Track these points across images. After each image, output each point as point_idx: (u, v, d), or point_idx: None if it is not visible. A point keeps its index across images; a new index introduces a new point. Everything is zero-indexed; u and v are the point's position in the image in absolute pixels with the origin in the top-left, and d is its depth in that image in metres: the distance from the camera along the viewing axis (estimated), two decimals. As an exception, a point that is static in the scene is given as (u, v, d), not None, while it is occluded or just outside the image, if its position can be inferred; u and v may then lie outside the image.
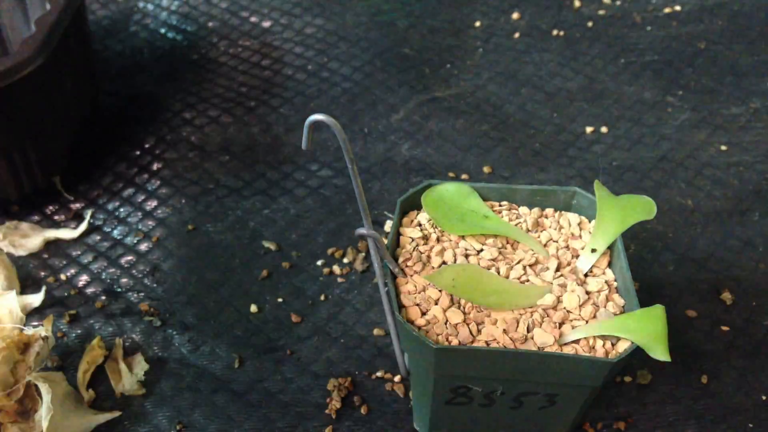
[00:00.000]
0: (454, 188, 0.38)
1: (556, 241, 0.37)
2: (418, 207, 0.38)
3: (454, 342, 0.32)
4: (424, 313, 0.33)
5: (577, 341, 0.32)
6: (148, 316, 0.46)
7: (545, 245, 0.37)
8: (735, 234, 0.49)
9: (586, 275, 0.35)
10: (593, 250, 0.36)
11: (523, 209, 0.38)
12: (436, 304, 0.33)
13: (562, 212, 0.39)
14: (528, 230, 0.37)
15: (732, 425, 0.39)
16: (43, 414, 0.37)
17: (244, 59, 0.67)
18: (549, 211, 0.39)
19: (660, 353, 0.30)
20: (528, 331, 0.32)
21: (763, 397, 0.40)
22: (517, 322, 0.33)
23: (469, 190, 0.38)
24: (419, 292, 0.34)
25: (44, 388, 0.37)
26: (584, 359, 0.31)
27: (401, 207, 0.37)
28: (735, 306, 0.45)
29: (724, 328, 0.44)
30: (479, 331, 0.32)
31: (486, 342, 0.32)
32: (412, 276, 0.35)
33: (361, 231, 0.32)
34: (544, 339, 0.32)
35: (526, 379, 0.32)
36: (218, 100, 0.62)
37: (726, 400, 0.40)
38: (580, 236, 0.37)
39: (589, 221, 0.38)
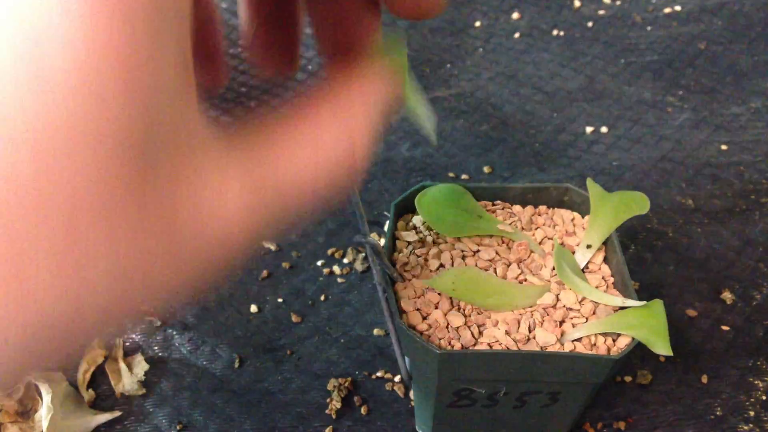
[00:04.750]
0: (447, 189, 0.38)
1: (551, 239, 0.37)
2: (414, 209, 0.38)
3: (457, 346, 0.32)
4: (424, 318, 0.33)
5: (578, 339, 0.32)
6: (148, 316, 0.46)
7: (540, 243, 0.37)
8: (735, 233, 0.49)
9: (582, 271, 0.35)
10: (588, 246, 0.36)
11: (517, 208, 0.38)
12: (437, 307, 0.33)
13: (555, 209, 0.39)
14: (523, 228, 0.37)
15: (732, 425, 0.39)
16: (43, 414, 0.37)
17: (244, 59, 0.67)
18: (542, 208, 0.39)
19: (661, 348, 0.30)
20: (529, 331, 0.32)
21: (764, 397, 0.40)
22: (518, 323, 0.33)
23: (462, 191, 0.38)
24: (419, 297, 0.34)
25: (44, 388, 0.37)
26: (587, 357, 0.31)
27: (396, 210, 0.37)
28: (735, 306, 0.45)
29: (725, 327, 0.43)
30: (481, 333, 0.32)
31: (488, 344, 0.32)
32: (410, 280, 0.34)
33: (359, 239, 0.32)
34: (545, 338, 0.32)
35: (529, 379, 0.32)
36: (218, 100, 0.62)
37: (726, 400, 0.40)
38: (575, 233, 0.37)
39: (583, 217, 0.38)
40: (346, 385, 0.41)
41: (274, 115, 0.20)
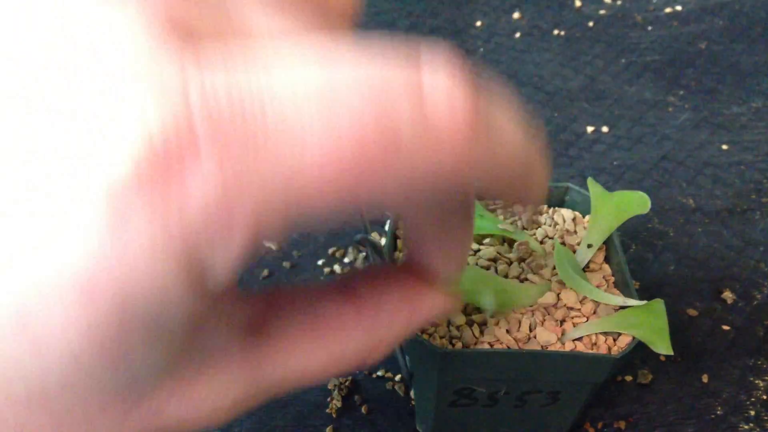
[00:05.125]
0: None
1: (552, 238, 0.37)
2: None
3: (458, 345, 0.32)
4: (425, 315, 0.33)
5: (579, 338, 0.32)
6: None
7: (541, 242, 0.37)
8: (736, 233, 0.49)
9: (583, 270, 0.35)
10: (589, 246, 0.36)
11: (517, 207, 0.38)
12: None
13: (556, 208, 0.39)
14: (523, 228, 0.37)
15: (732, 424, 0.39)
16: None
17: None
18: (542, 207, 0.39)
19: (662, 347, 0.30)
20: (530, 331, 0.32)
21: (764, 397, 0.40)
22: (519, 322, 0.33)
23: None
24: (420, 294, 0.34)
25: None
26: (588, 357, 0.31)
27: None
28: (736, 305, 0.45)
29: (725, 327, 0.43)
30: (482, 333, 0.32)
31: (489, 343, 0.32)
32: (412, 277, 0.34)
33: (360, 238, 0.32)
34: (546, 338, 0.32)
35: (530, 378, 0.32)
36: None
37: (727, 399, 0.40)
38: (575, 232, 0.37)
39: (583, 216, 0.38)
40: (347, 384, 0.41)
41: (299, 298, 0.21)
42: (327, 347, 0.20)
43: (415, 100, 0.15)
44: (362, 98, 0.15)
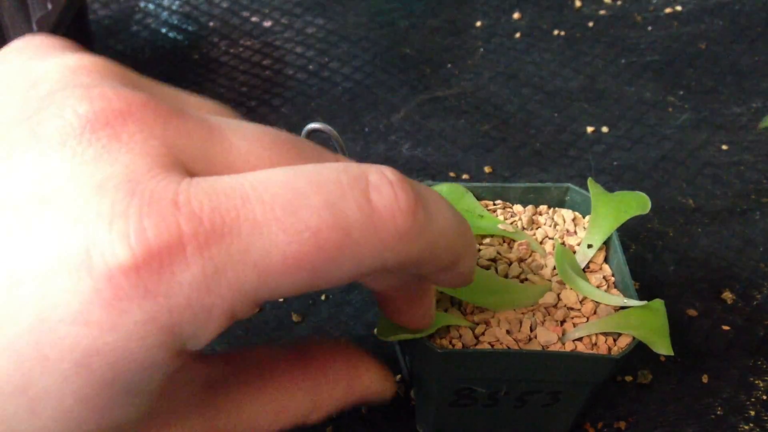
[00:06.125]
0: (449, 189, 0.38)
1: (552, 238, 0.37)
2: None
3: (458, 345, 0.32)
4: (425, 315, 0.33)
5: (579, 339, 0.32)
6: None
7: (541, 242, 0.37)
8: (736, 233, 0.49)
9: (583, 271, 0.35)
10: (589, 246, 0.36)
11: (518, 207, 0.38)
12: (437, 306, 0.33)
13: (556, 209, 0.39)
14: (523, 228, 0.37)
15: (732, 425, 0.39)
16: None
17: (245, 59, 0.67)
18: (543, 207, 0.39)
19: (662, 347, 0.31)
20: (531, 331, 0.32)
21: (764, 397, 0.40)
22: (520, 322, 0.33)
23: (464, 191, 0.38)
24: (420, 294, 0.34)
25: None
26: (588, 357, 0.31)
27: None
28: (736, 305, 0.45)
29: (725, 327, 0.44)
30: (482, 333, 0.32)
31: (490, 344, 0.32)
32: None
33: None
34: (547, 338, 0.32)
35: (530, 378, 0.32)
36: (219, 100, 0.62)
37: (727, 399, 0.40)
38: (575, 232, 0.37)
39: (583, 217, 0.38)
40: (347, 384, 0.41)
41: (255, 357, 0.25)
42: (274, 402, 0.24)
43: (363, 194, 0.18)
44: (319, 196, 0.18)
